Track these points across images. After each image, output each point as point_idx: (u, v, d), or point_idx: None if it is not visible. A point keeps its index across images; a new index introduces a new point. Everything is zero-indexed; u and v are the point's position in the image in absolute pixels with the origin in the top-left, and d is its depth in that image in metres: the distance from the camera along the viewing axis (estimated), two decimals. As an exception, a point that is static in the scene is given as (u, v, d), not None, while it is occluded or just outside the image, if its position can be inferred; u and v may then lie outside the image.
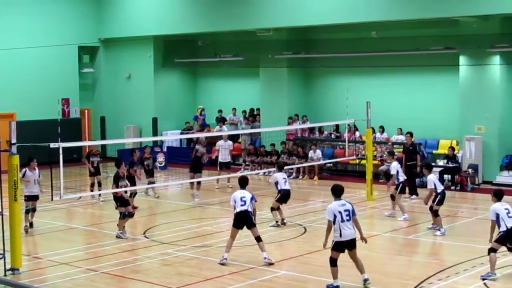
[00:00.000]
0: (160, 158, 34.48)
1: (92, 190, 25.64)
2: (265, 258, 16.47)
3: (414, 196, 25.31)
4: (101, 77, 39.71)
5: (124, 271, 16.20)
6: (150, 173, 25.99)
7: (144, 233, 19.90)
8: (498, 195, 15.64)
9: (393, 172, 21.98)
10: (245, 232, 19.87)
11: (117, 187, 19.41)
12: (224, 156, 28.47)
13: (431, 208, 19.99)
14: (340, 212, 14.08)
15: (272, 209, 20.92)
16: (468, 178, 27.51)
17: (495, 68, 28.01)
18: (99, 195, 25.54)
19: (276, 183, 21.04)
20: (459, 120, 29.02)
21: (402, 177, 21.92)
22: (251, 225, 16.53)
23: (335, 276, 14.29)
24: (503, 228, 15.24)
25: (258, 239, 16.54)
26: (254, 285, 14.93)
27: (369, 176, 25.04)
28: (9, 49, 34.66)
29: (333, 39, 32.51)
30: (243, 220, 16.51)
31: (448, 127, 29.76)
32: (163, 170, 33.72)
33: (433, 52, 29.49)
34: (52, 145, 17.55)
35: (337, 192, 14.46)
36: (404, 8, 28.27)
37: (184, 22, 34.91)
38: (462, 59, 28.70)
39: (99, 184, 26.20)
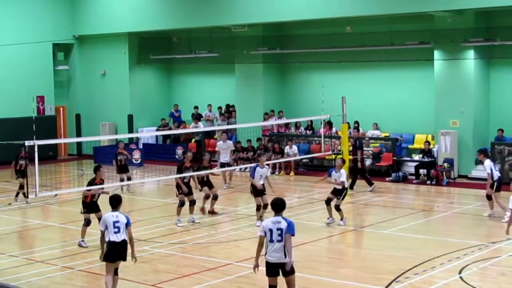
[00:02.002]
0: (136, 155, 34.27)
1: (19, 193, 24.59)
2: None
3: (372, 187, 25.71)
4: (76, 75, 39.44)
5: (101, 268, 16.06)
6: (124, 169, 25.96)
7: (120, 230, 19.75)
8: None
9: (488, 171, 20.88)
10: (222, 228, 19.90)
11: (86, 194, 18.60)
12: (224, 157, 27.93)
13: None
14: (271, 230, 11.94)
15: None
16: (444, 173, 27.62)
17: (469, 63, 28.14)
18: (24, 195, 24.29)
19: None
20: (434, 115, 29.16)
21: (496, 175, 21.00)
22: (124, 258, 13.61)
23: None
24: None
25: (116, 272, 13.73)
26: (231, 281, 14.89)
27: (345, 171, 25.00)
28: (-17, 47, 34.49)
29: (308, 34, 32.56)
30: (118, 252, 13.44)
31: (424, 121, 29.89)
32: (139, 167, 33.56)
33: (408, 46, 29.58)
34: (27, 143, 17.43)
35: (276, 207, 12.15)
36: (378, 3, 28.36)
37: (159, 19, 34.79)
38: (437, 54, 28.83)
39: (22, 187, 24.63)
